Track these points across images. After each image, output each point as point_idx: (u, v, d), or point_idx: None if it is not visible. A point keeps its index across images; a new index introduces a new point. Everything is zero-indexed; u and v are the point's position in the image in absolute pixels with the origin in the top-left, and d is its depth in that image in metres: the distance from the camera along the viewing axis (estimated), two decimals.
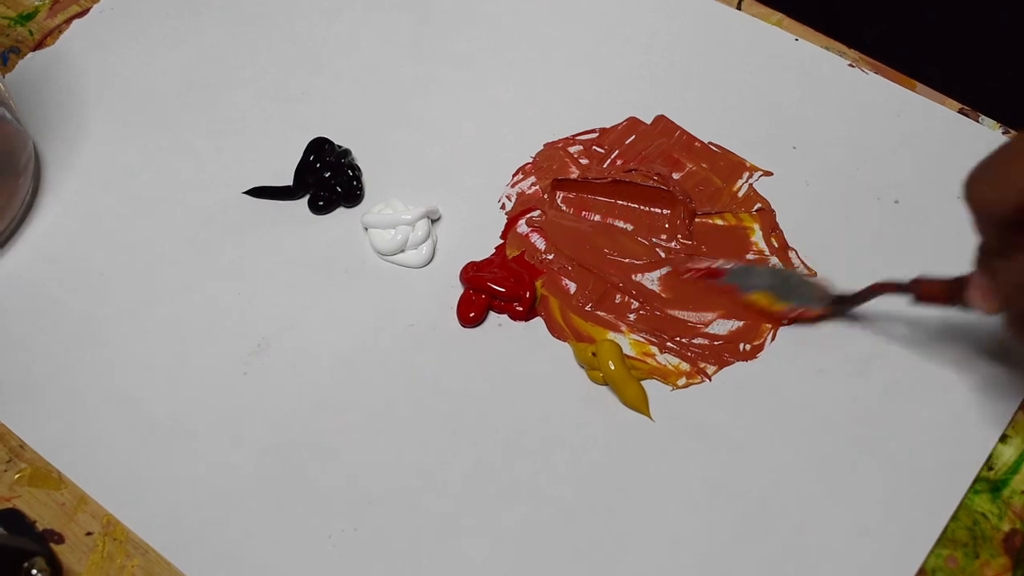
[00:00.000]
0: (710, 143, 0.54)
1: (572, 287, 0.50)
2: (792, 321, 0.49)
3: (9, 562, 0.42)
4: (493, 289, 0.50)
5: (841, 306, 0.48)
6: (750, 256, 0.51)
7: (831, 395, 0.47)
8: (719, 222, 0.52)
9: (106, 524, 0.46)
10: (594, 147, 0.54)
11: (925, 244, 0.51)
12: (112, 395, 0.49)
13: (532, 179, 0.54)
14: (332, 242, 0.53)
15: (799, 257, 0.51)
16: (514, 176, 0.54)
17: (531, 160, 0.54)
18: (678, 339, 0.49)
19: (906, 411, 0.46)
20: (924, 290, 0.45)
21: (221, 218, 0.54)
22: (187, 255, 0.53)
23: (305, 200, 0.54)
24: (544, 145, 0.55)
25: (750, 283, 0.49)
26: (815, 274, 0.50)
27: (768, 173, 0.53)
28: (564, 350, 0.49)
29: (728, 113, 0.55)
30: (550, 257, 0.51)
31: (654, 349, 0.49)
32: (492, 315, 0.50)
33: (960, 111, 0.54)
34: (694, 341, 0.49)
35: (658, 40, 0.58)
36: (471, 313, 0.49)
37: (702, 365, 0.48)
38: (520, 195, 0.53)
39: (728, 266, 0.50)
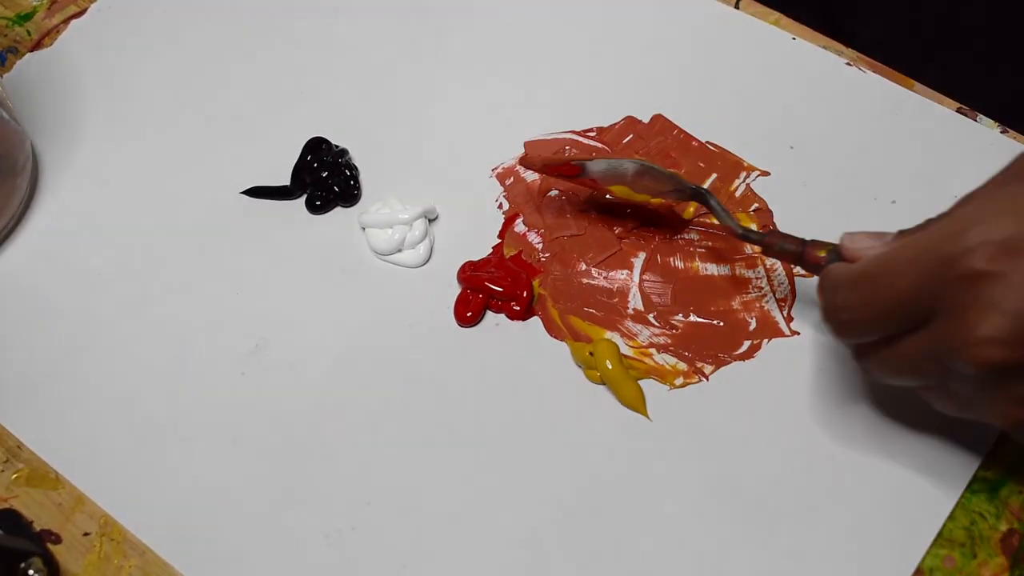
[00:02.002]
0: (707, 142, 0.54)
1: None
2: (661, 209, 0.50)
3: (6, 562, 0.42)
4: (490, 288, 0.50)
5: (701, 199, 0.48)
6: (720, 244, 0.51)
7: (828, 394, 0.47)
8: (715, 221, 0.52)
9: (103, 524, 0.46)
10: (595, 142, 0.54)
11: None
12: (109, 395, 0.49)
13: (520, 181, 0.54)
14: (329, 242, 0.53)
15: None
16: (504, 181, 0.54)
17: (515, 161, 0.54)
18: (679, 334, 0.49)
19: (904, 411, 0.46)
20: (808, 257, 0.45)
21: (219, 218, 0.54)
22: (185, 255, 0.53)
23: (302, 200, 0.54)
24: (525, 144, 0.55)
25: (607, 176, 0.49)
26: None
27: (765, 173, 0.53)
28: (562, 349, 0.49)
29: (725, 112, 0.55)
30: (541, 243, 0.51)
31: (652, 349, 0.49)
32: (489, 314, 0.50)
33: (958, 110, 0.54)
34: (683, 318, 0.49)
35: (656, 39, 0.58)
36: (468, 312, 0.49)
37: (699, 365, 0.48)
38: (510, 191, 0.53)
39: (580, 163, 0.49)
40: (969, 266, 0.35)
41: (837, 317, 0.40)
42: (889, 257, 0.38)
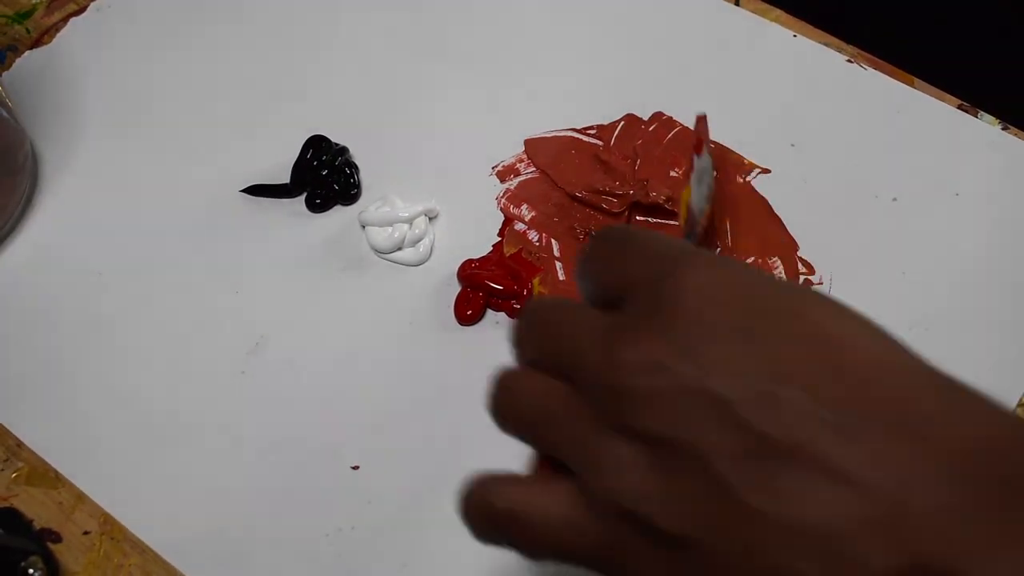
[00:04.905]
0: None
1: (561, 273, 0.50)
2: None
3: (6, 561, 0.42)
4: (491, 287, 0.49)
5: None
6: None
7: None
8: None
9: (103, 523, 0.46)
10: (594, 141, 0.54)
11: (923, 242, 0.50)
12: (110, 394, 0.49)
13: (523, 178, 0.54)
14: (329, 240, 0.53)
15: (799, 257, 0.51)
16: (505, 179, 0.54)
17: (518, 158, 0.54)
18: None
19: None
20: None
21: (218, 216, 0.53)
22: (184, 253, 0.53)
23: (302, 198, 0.54)
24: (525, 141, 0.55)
25: (700, 178, 0.48)
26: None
27: (766, 170, 0.53)
28: None
29: (726, 110, 0.55)
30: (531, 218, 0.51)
31: None
32: (490, 313, 0.50)
33: (959, 107, 0.54)
34: None
35: (656, 36, 0.58)
36: (469, 311, 0.49)
37: None
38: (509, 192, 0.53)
39: (708, 148, 0.49)
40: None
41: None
42: None
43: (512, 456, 0.46)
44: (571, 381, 0.28)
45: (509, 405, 0.31)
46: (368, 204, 0.53)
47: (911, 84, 0.55)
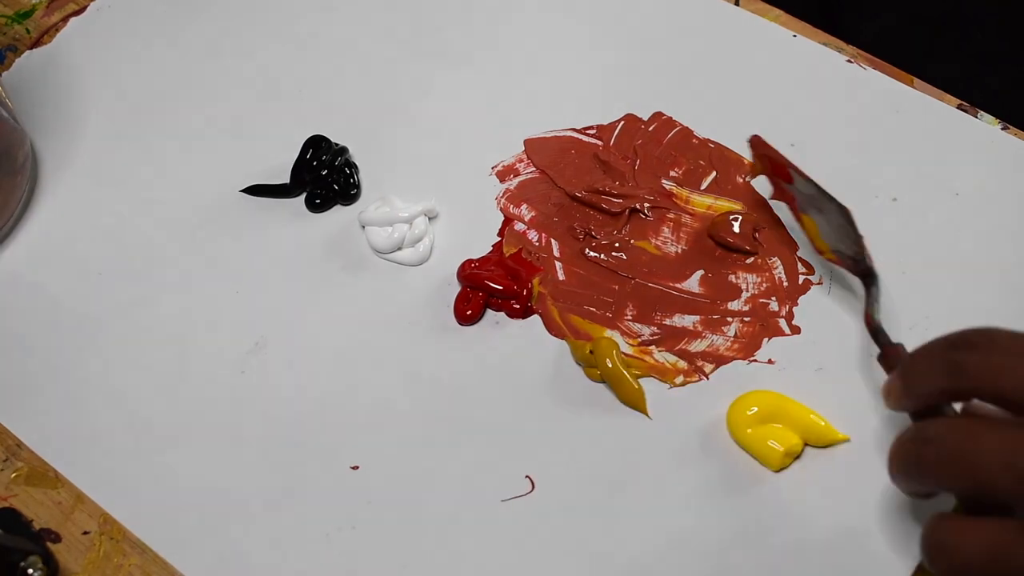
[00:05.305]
0: (707, 140, 0.54)
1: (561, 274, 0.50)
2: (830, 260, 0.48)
3: (6, 561, 0.42)
4: (490, 287, 0.49)
5: (865, 282, 0.47)
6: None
7: (828, 393, 0.47)
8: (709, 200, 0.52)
9: (103, 523, 0.46)
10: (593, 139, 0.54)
11: (923, 242, 0.50)
12: (109, 394, 0.49)
13: (522, 178, 0.54)
14: (329, 240, 0.53)
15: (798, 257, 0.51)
16: (504, 179, 0.54)
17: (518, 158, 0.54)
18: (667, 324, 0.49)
19: None
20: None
21: (218, 216, 0.53)
22: (184, 253, 0.53)
23: (302, 198, 0.54)
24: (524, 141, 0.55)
25: (806, 203, 0.48)
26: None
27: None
28: (562, 348, 0.49)
29: (726, 110, 0.55)
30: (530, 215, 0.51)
31: (652, 347, 0.49)
32: (489, 313, 0.50)
33: (959, 107, 0.54)
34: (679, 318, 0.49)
35: (656, 36, 0.58)
36: (468, 311, 0.49)
37: (700, 363, 0.48)
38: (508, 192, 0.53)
39: (796, 175, 0.48)
40: None
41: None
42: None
43: (509, 454, 0.47)
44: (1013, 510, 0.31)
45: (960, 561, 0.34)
46: (368, 204, 0.53)
47: (910, 84, 0.55)
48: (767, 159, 0.50)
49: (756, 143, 0.51)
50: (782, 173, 0.49)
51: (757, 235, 0.51)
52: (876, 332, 0.45)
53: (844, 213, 0.47)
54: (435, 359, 0.49)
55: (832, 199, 0.48)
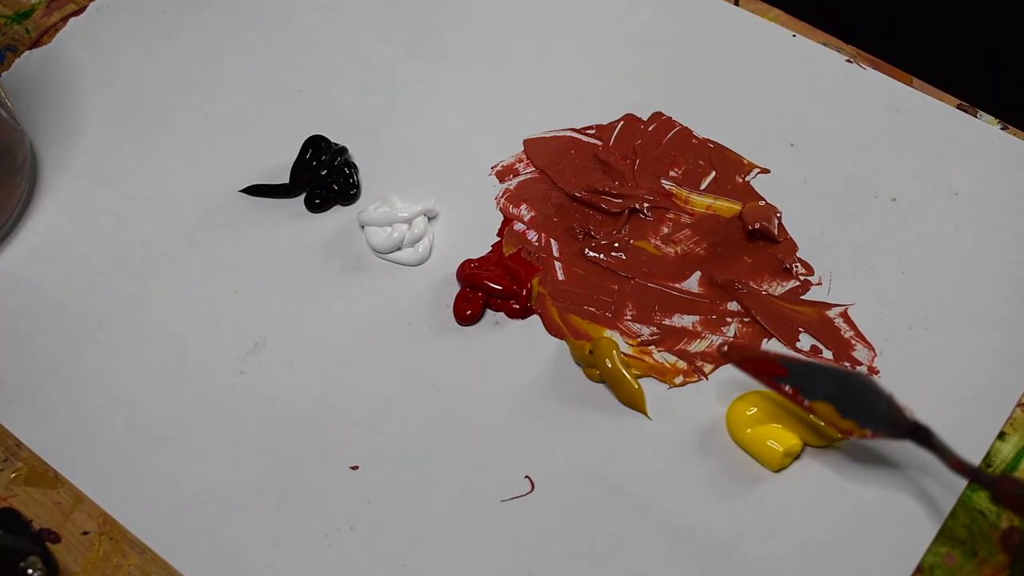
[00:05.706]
0: (707, 140, 0.54)
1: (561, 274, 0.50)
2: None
3: (5, 561, 0.42)
4: (490, 287, 0.49)
5: (919, 438, 0.43)
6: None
7: None
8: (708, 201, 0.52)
9: (102, 523, 0.46)
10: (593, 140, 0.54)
11: (923, 241, 0.51)
12: (109, 394, 0.49)
13: (522, 178, 0.54)
14: (329, 240, 0.53)
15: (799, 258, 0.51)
16: (504, 179, 0.54)
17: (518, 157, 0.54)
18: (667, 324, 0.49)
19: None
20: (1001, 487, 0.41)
21: (218, 216, 0.53)
22: (184, 253, 0.53)
23: (301, 198, 0.54)
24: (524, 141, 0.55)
25: (813, 388, 0.44)
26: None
27: (765, 170, 0.53)
28: (561, 348, 0.49)
29: (725, 110, 0.55)
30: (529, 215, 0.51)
31: (652, 347, 0.49)
32: (489, 313, 0.50)
33: (958, 107, 0.54)
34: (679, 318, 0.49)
35: (656, 36, 0.58)
36: (468, 311, 0.49)
37: (699, 364, 0.48)
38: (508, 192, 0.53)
39: (788, 365, 0.44)
40: None
41: None
42: None
43: (509, 454, 0.47)
44: None
45: None
46: (367, 204, 0.53)
47: (910, 84, 0.55)
48: (751, 364, 0.45)
49: (732, 353, 0.46)
50: (773, 370, 0.45)
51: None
52: (976, 474, 0.42)
53: (859, 379, 0.44)
54: (435, 359, 0.49)
55: (838, 369, 0.45)
